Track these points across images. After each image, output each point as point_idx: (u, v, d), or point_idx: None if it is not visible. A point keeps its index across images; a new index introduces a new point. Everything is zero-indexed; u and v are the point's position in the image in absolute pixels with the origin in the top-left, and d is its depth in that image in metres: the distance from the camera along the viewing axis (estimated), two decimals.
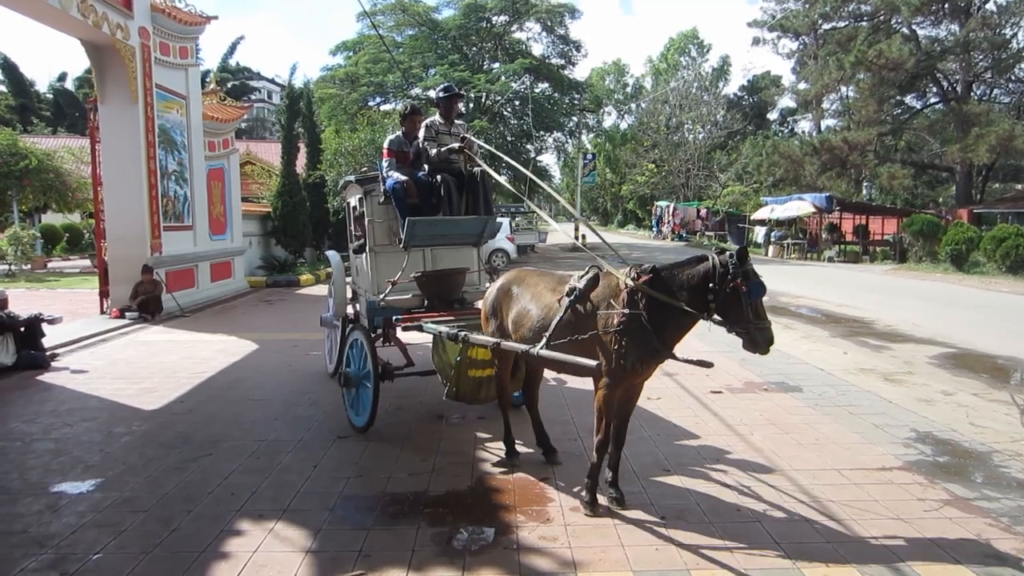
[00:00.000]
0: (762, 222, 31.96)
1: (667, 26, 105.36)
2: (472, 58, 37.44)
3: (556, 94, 38.75)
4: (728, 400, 6.92)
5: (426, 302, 6.27)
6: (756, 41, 43.17)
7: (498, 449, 5.45)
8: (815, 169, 35.01)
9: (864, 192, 38.85)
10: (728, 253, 4.04)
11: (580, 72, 53.75)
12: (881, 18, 35.32)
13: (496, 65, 36.84)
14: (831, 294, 16.49)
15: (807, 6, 38.00)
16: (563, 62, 39.76)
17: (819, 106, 40.20)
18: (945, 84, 35.39)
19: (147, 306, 12.30)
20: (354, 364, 6.10)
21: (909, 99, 37.72)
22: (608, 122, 58.04)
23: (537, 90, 37.42)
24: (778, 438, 5.78)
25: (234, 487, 4.78)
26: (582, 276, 4.50)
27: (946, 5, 32.08)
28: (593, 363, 4.17)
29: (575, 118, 39.79)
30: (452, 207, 6.13)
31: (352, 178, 7.06)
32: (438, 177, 6.12)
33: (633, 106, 60.11)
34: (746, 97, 54.32)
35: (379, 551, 3.87)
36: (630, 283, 4.15)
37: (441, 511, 4.41)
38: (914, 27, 34.38)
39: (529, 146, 37.12)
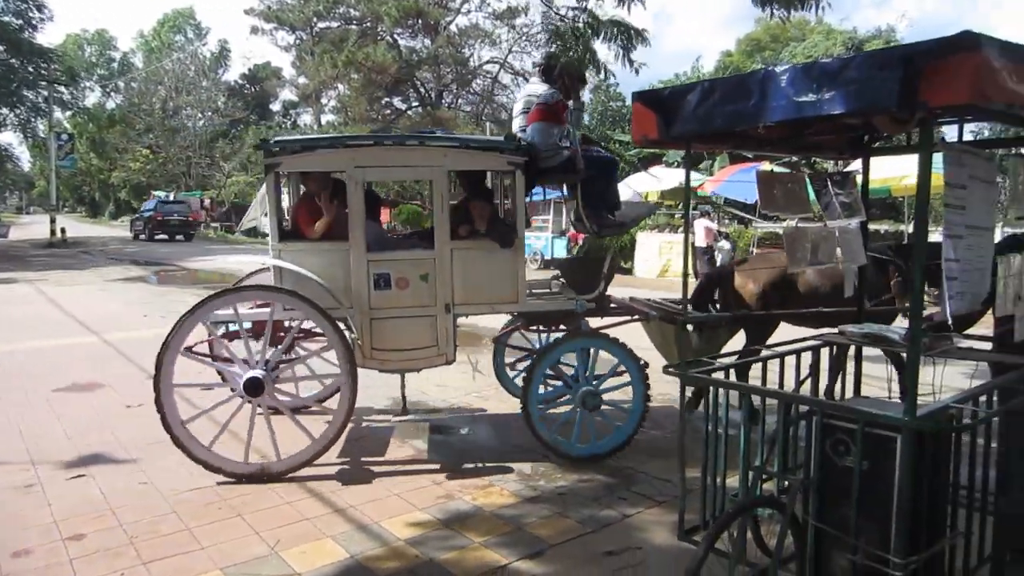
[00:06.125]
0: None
1: (160, 1, 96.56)
2: None
3: (14, 60, 31.99)
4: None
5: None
6: (255, 30, 42.64)
7: None
8: None
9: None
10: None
11: (49, 38, 45.52)
12: (368, 24, 38.47)
13: None
14: None
15: (302, 2, 39.05)
16: (21, 23, 32.99)
17: (319, 101, 41.87)
18: (423, 91, 40.48)
19: None
20: (587, 379, 4.94)
21: (396, 101, 42.07)
22: (91, 100, 50.56)
23: None
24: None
25: None
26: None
27: (420, 21, 36.57)
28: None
29: (44, 92, 33.55)
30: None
31: (507, 140, 4.95)
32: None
33: (122, 84, 53.55)
34: (248, 86, 53.43)
35: None
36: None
37: None
38: (396, 37, 38.41)
39: None
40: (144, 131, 47.25)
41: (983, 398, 2.73)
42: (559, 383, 5.39)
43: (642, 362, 4.93)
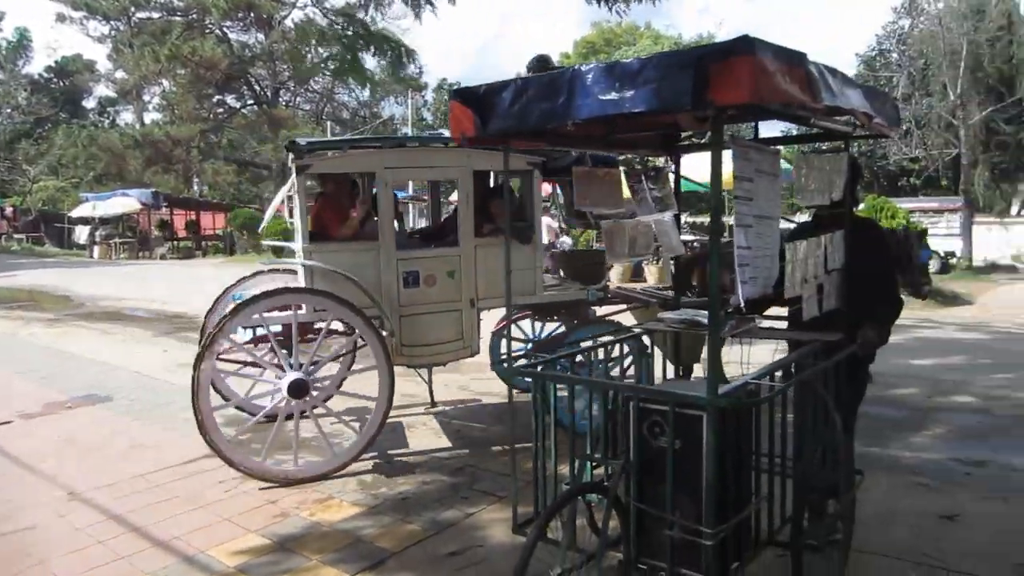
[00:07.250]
0: (85, 220, 29.25)
1: None
2: None
3: None
4: (20, 429, 5.94)
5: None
6: (61, 17, 38.54)
7: None
8: (140, 164, 33.77)
9: (195, 188, 39.39)
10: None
11: None
12: (194, 16, 35.92)
13: None
14: (159, 292, 16.13)
15: None
16: None
17: (140, 97, 38.76)
18: (258, 88, 38.49)
19: None
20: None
21: (230, 99, 39.69)
22: None
23: None
24: (78, 459, 5.21)
25: None
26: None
27: (252, 14, 34.69)
28: None
29: None
30: None
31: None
32: None
33: None
34: (55, 80, 48.32)
35: None
36: None
37: None
38: (226, 30, 36.19)
39: None
40: None
41: (779, 373, 2.97)
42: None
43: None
